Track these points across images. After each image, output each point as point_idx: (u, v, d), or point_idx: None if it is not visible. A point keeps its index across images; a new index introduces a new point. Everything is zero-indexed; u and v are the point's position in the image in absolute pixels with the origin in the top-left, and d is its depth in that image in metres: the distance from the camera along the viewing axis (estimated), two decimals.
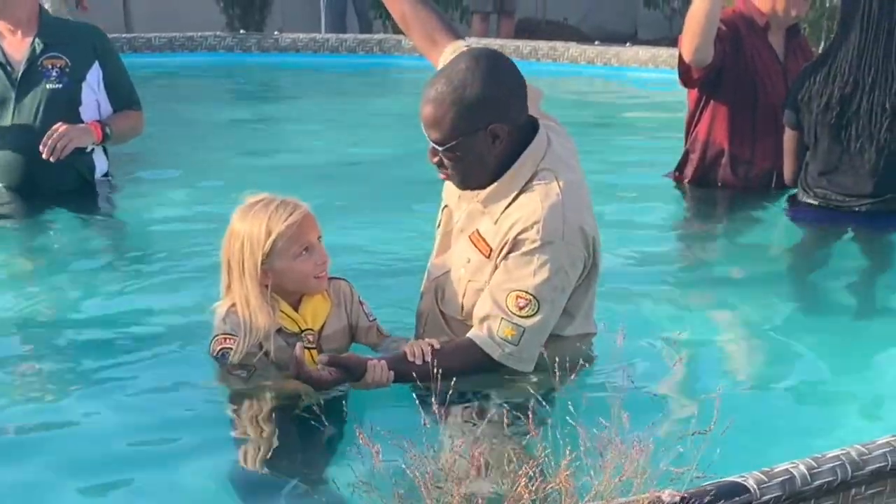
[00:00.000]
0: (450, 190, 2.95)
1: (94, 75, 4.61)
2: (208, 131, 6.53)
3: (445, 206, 2.98)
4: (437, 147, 2.69)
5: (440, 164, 2.74)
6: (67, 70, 4.52)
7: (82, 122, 4.53)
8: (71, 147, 4.39)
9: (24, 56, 4.51)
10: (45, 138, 4.33)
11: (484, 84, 2.63)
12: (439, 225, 3.00)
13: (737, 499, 1.97)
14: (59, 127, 4.37)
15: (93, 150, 4.64)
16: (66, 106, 4.51)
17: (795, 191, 4.50)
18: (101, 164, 4.75)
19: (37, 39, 4.53)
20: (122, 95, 4.72)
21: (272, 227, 2.70)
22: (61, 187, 4.55)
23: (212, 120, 6.91)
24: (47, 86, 4.49)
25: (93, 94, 4.60)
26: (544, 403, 2.24)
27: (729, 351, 3.29)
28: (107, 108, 4.66)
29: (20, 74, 4.50)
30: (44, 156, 4.32)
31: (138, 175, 5.04)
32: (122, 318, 3.47)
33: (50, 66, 4.50)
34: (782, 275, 4.16)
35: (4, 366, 3.08)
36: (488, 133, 2.66)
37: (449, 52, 3.01)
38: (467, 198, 2.83)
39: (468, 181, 2.76)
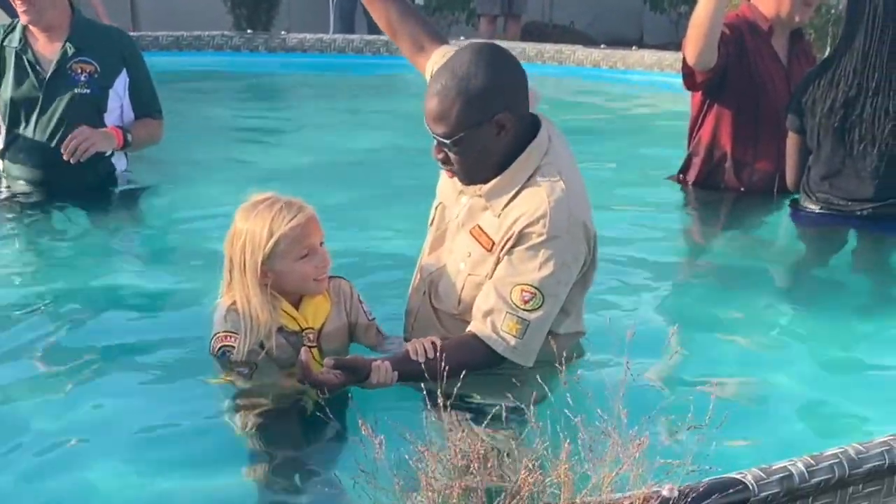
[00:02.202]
0: (445, 186, 2.95)
1: (122, 82, 4.61)
2: (213, 130, 6.55)
3: (439, 203, 2.97)
4: (443, 141, 2.67)
5: (445, 161, 2.73)
6: (96, 76, 4.52)
7: (105, 126, 4.54)
8: (92, 151, 4.41)
9: (54, 57, 4.51)
10: (67, 140, 4.36)
11: (488, 74, 2.63)
12: (432, 223, 2.99)
13: (735, 495, 1.98)
14: (83, 130, 4.39)
15: (113, 153, 4.64)
16: (91, 111, 4.52)
17: (798, 195, 4.51)
18: (120, 165, 4.75)
19: (68, 43, 4.51)
20: (144, 103, 4.72)
21: (275, 228, 2.67)
22: (79, 185, 4.55)
23: (217, 119, 6.93)
24: (75, 90, 4.48)
25: (118, 101, 4.61)
26: (543, 398, 2.25)
27: (728, 350, 3.30)
28: (129, 114, 4.67)
29: (48, 75, 4.49)
30: (64, 157, 4.35)
31: (145, 172, 5.05)
32: (127, 314, 3.49)
33: (79, 71, 4.50)
34: (783, 277, 4.18)
35: (9, 355, 3.08)
36: (494, 124, 2.65)
37: (437, 55, 3.02)
38: (468, 192, 2.82)
39: (474, 176, 2.75)
